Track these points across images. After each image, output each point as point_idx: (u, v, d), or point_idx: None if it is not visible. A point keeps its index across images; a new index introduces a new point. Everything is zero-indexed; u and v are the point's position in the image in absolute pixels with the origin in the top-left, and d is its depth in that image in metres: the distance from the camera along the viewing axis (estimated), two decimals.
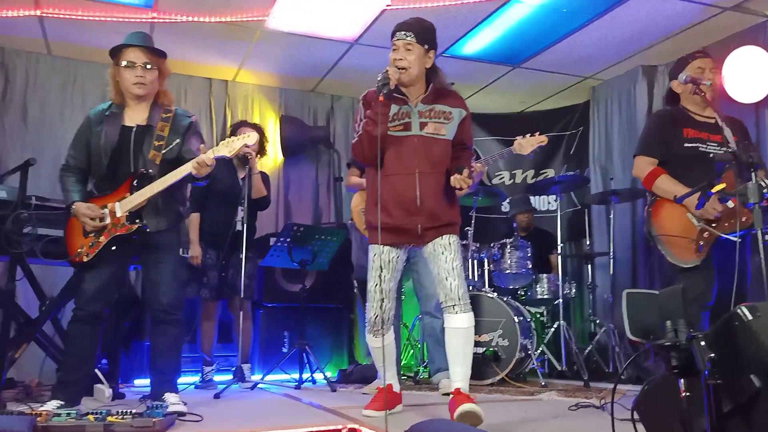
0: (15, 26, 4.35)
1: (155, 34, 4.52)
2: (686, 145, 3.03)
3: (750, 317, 1.14)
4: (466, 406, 2.42)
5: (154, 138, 2.81)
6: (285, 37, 4.55)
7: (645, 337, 1.20)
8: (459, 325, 2.64)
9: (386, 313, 2.75)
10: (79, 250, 2.76)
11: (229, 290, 4.08)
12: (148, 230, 2.77)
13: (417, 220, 2.67)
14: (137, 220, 2.74)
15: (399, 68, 2.64)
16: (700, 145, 3.03)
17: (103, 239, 2.74)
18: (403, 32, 2.68)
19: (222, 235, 3.97)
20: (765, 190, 2.13)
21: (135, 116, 2.88)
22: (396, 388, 2.92)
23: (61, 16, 4.12)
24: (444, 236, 2.70)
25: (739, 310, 1.15)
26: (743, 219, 2.74)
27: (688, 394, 1.12)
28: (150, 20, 4.22)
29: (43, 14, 4.14)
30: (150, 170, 2.76)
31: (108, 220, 2.74)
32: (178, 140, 2.87)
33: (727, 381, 1.13)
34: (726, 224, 2.81)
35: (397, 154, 2.69)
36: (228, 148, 2.70)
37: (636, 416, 1.44)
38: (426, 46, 2.70)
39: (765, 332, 1.11)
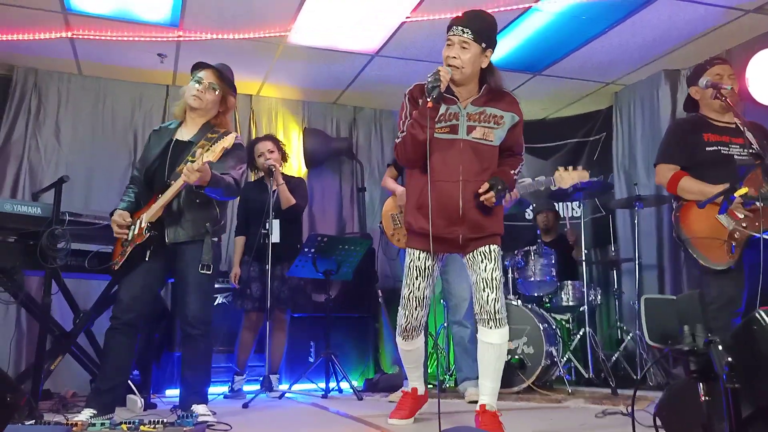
0: (47, 48, 4.51)
1: (181, 52, 4.65)
2: (708, 149, 3.01)
3: None
4: None
5: (190, 153, 2.87)
6: (306, 51, 4.64)
7: (664, 342, 1.21)
8: (492, 340, 2.55)
9: (417, 320, 2.71)
10: (115, 260, 2.89)
11: (273, 301, 4.11)
12: (167, 241, 2.84)
13: (458, 230, 2.56)
14: (152, 230, 2.82)
15: (451, 66, 2.48)
16: (722, 147, 3.00)
17: (129, 249, 2.84)
18: (460, 27, 2.48)
19: (261, 248, 4.05)
20: None
21: (185, 133, 2.98)
22: (421, 390, 2.90)
23: (91, 37, 4.26)
24: (486, 245, 2.58)
25: (757, 314, 1.15)
26: None
27: (707, 398, 1.13)
28: (176, 39, 4.34)
29: (74, 36, 4.28)
30: (173, 182, 2.83)
31: (136, 231, 2.85)
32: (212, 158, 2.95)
33: (747, 385, 1.14)
34: (757, 223, 2.78)
35: (441, 159, 2.54)
36: (212, 153, 2.71)
37: (659, 422, 1.44)
38: (483, 45, 2.52)
39: None
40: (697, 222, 2.98)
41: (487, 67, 2.60)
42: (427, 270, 2.66)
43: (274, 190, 4.11)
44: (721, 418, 1.17)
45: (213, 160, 2.71)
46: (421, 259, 2.65)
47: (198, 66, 3.04)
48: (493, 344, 2.55)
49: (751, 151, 2.89)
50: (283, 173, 4.26)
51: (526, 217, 6.00)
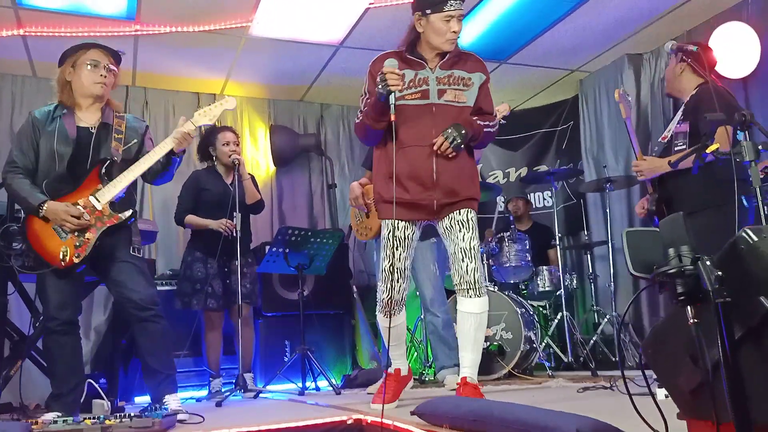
0: None
1: (140, 48, 4.53)
2: None
3: (756, 239, 1.10)
4: None
5: (113, 132, 2.75)
6: (270, 43, 4.55)
7: (648, 270, 1.15)
8: (472, 309, 2.53)
9: (400, 293, 2.61)
10: (63, 253, 2.60)
11: (233, 298, 3.97)
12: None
13: (433, 195, 2.52)
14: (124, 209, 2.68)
15: (451, 41, 2.50)
16: None
17: (90, 236, 2.62)
18: (458, 1, 2.49)
19: (222, 242, 3.89)
20: (761, 147, 2.10)
21: (87, 117, 2.77)
22: (404, 371, 2.81)
23: (44, 34, 4.11)
24: (462, 210, 2.56)
25: (744, 233, 1.11)
26: None
27: (696, 321, 1.08)
28: (134, 33, 4.22)
29: (26, 33, 4.13)
30: (116, 158, 2.71)
31: (87, 217, 2.63)
32: (136, 140, 2.83)
33: (737, 306, 1.09)
34: None
35: (413, 125, 2.52)
36: (208, 116, 2.63)
37: (654, 393, 1.39)
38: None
39: None
40: None
41: None
42: (407, 240, 2.59)
43: (231, 183, 3.99)
44: (710, 343, 1.12)
45: (210, 122, 2.65)
46: (399, 229, 2.57)
47: (83, 47, 2.77)
48: (473, 313, 2.51)
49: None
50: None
51: (499, 209, 5.98)
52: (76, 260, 2.61)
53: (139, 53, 4.61)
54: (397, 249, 2.57)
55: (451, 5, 2.48)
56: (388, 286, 2.60)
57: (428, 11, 2.49)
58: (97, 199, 2.65)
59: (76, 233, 2.62)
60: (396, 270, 2.58)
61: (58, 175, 2.68)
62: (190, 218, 4.05)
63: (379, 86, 2.39)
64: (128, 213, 2.68)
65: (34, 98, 4.88)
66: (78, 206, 2.62)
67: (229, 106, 2.70)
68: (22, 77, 4.87)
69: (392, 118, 2.38)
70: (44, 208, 2.60)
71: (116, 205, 2.69)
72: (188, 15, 4.09)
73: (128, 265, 2.71)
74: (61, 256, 2.60)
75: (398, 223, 2.57)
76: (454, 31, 2.49)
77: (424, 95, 2.54)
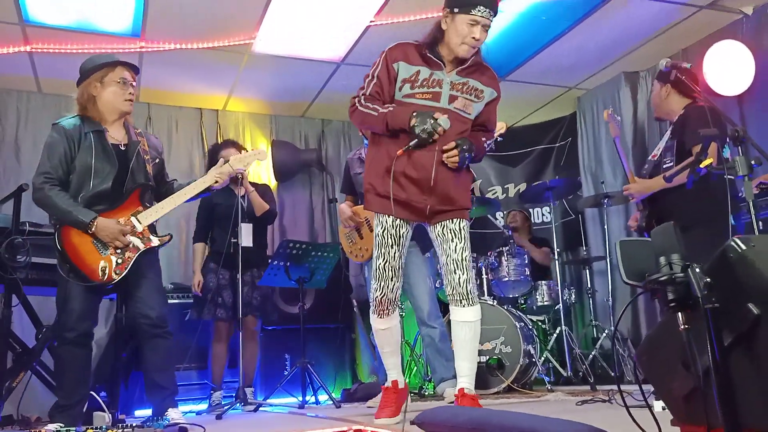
0: (5, 64, 4.41)
1: (144, 65, 4.59)
2: None
3: (744, 247, 1.14)
4: None
5: (143, 153, 2.83)
6: (272, 60, 4.62)
7: (641, 279, 1.19)
8: (466, 318, 2.53)
9: (393, 292, 2.58)
10: (102, 269, 2.64)
11: (244, 309, 3.93)
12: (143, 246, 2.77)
13: (428, 201, 2.50)
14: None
15: (470, 46, 2.41)
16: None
17: (130, 255, 2.68)
18: (488, 10, 2.38)
19: (231, 254, 3.95)
20: (753, 162, 2.14)
21: (115, 134, 2.83)
22: (401, 383, 2.77)
23: (51, 50, 4.18)
24: (454, 220, 2.54)
25: (732, 242, 1.15)
26: None
27: (687, 327, 1.11)
28: (138, 50, 4.29)
29: (33, 50, 4.20)
30: (152, 183, 2.79)
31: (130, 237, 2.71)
32: (158, 159, 2.95)
33: (727, 313, 1.13)
34: None
35: None
36: (242, 162, 2.84)
37: (651, 405, 1.42)
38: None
39: (761, 260, 1.11)
40: None
41: None
42: (401, 238, 2.56)
43: (242, 196, 4.05)
44: (701, 350, 1.16)
45: (245, 168, 2.91)
46: (394, 227, 2.54)
47: (110, 64, 2.81)
48: (467, 322, 2.52)
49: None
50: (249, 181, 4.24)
51: (498, 224, 6.02)
52: (115, 277, 2.65)
53: (143, 70, 4.66)
54: (392, 247, 2.54)
55: (479, 10, 2.38)
56: (383, 284, 2.57)
57: (456, 9, 2.41)
58: (138, 221, 2.72)
59: (118, 250, 2.67)
60: (390, 268, 2.55)
61: (99, 192, 2.70)
62: (196, 253, 4.22)
63: (426, 126, 2.36)
64: (167, 237, 2.78)
65: (39, 114, 4.94)
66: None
67: (261, 157, 3.02)
68: (27, 93, 4.93)
69: (399, 153, 2.40)
70: (95, 223, 2.62)
71: (153, 227, 2.79)
72: (192, 32, 4.16)
73: (151, 282, 2.78)
74: (100, 272, 2.63)
75: (394, 221, 2.54)
76: (474, 38, 2.41)
77: (435, 97, 2.48)
